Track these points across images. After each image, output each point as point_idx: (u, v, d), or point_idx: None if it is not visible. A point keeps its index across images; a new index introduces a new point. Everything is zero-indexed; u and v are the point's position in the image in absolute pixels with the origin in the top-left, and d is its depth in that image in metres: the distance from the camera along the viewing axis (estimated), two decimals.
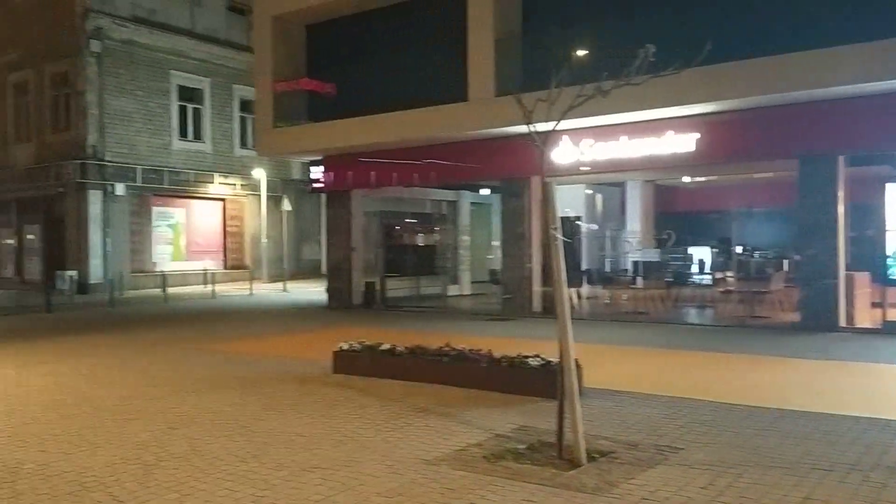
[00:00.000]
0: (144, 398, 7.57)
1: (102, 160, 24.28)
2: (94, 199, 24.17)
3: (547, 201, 5.25)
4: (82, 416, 6.78)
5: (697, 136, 12.88)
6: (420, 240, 20.16)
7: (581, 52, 10.61)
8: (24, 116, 26.57)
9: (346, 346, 8.86)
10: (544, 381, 7.01)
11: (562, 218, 5.76)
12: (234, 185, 28.29)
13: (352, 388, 7.89)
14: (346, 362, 8.74)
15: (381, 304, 17.83)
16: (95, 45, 24.15)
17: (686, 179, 18.65)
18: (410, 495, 4.52)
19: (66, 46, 24.57)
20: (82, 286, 23.53)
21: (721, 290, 15.89)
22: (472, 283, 20.95)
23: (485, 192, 21.03)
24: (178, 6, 26.65)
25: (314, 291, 22.77)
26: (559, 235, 5.23)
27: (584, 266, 17.84)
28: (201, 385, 8.24)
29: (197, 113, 27.24)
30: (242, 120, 28.58)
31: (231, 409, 6.96)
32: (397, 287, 18.59)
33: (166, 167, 25.97)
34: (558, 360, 5.31)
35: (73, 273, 23.60)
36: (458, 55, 14.49)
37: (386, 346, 8.59)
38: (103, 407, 7.18)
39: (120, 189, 24.61)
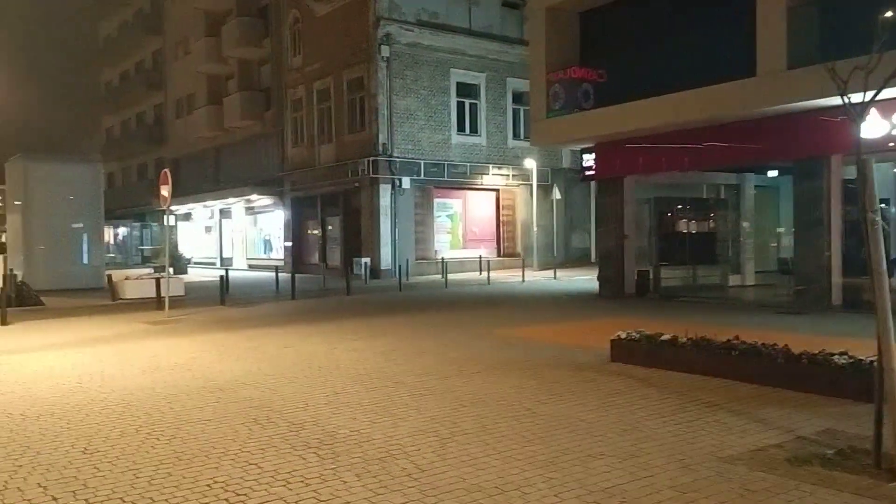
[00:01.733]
0: (436, 376, 8.10)
1: (391, 156, 26.45)
2: (384, 193, 26.41)
3: (864, 181, 4.67)
4: (383, 390, 7.45)
5: None
6: (697, 226, 19.15)
7: None
8: (326, 120, 29.83)
9: (623, 335, 8.71)
10: (853, 382, 6.29)
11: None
12: (507, 175, 29.19)
13: (631, 377, 7.74)
14: (624, 351, 8.59)
15: (655, 294, 17.27)
16: (385, 51, 26.32)
17: None
18: (706, 493, 4.31)
19: (361, 53, 27.10)
20: (374, 272, 25.88)
21: None
22: (756, 272, 19.45)
23: (772, 173, 19.38)
24: (457, 7, 28.07)
25: (584, 279, 22.72)
26: (878, 220, 4.63)
27: (893, 255, 15.67)
28: (485, 367, 8.62)
29: (473, 108, 28.52)
30: (515, 112, 29.36)
31: (514, 392, 7.19)
32: (672, 276, 17.87)
33: (446, 161, 27.56)
34: (874, 358, 4.72)
35: (367, 260, 26.03)
36: (744, 28, 13.47)
37: (666, 337, 8.30)
38: (401, 382, 7.81)
39: (406, 182, 26.62)
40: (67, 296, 20.18)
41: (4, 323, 13.89)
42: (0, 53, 53.35)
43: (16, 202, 25.29)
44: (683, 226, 19.06)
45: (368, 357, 9.53)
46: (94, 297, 20.11)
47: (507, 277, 24.92)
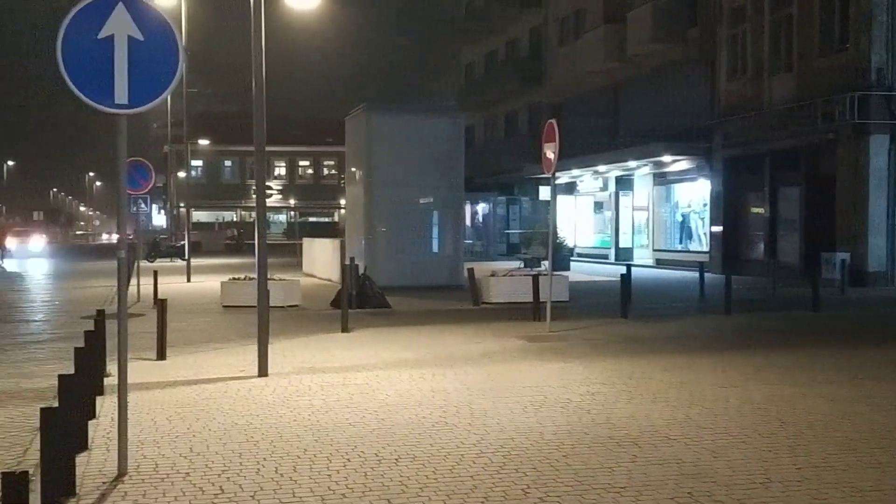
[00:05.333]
0: None
1: (892, 89, 24.85)
2: (878, 148, 25.05)
3: None
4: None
5: None
6: None
7: None
8: (783, 36, 28.96)
9: None
10: None
11: None
12: None
13: None
14: None
15: None
16: None
17: None
18: None
19: None
20: (857, 275, 24.60)
21: None
22: None
23: None
24: None
25: None
26: None
27: None
28: None
29: None
30: None
31: None
32: None
33: None
34: None
35: (846, 256, 24.79)
36: None
37: None
38: None
39: None
40: (415, 295, 22.48)
41: (345, 329, 15.88)
42: None
43: (353, 170, 28.87)
44: None
45: (860, 412, 9.18)
46: (449, 298, 22.12)
47: None
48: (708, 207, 33.58)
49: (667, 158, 34.84)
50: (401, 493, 6.49)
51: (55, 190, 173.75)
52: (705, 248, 33.56)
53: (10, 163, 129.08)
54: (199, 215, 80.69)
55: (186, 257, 32.79)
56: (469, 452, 7.53)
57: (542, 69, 48.05)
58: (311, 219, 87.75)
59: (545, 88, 47.47)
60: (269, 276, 13.26)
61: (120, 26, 7.13)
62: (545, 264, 24.21)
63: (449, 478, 6.82)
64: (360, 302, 19.46)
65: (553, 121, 16.42)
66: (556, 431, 8.25)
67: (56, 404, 7.24)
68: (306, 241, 36.74)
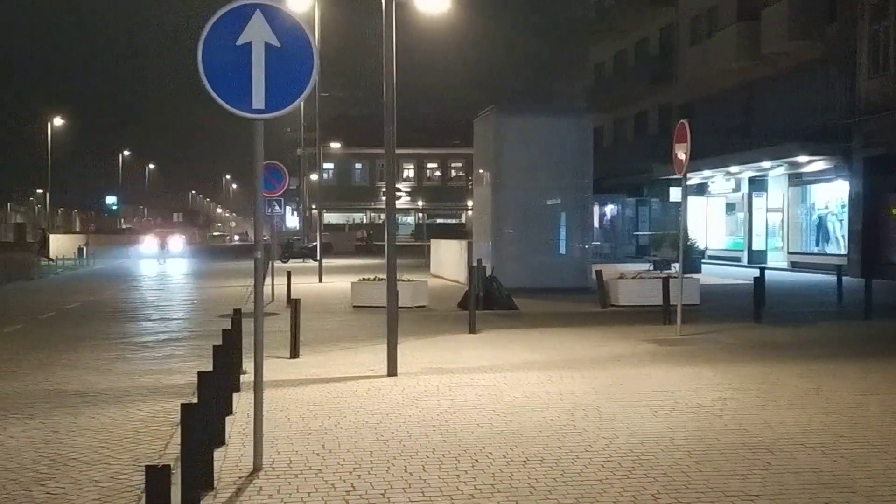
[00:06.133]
0: None
1: None
2: None
3: None
4: None
5: None
6: None
7: None
8: None
9: None
10: None
11: None
12: None
13: None
14: None
15: None
16: None
17: None
18: None
19: None
20: None
21: None
22: None
23: None
24: None
25: None
26: None
27: None
28: None
29: None
30: None
31: None
32: None
33: None
34: None
35: None
36: None
37: None
38: None
39: None
40: (542, 296, 22.40)
41: (473, 330, 15.94)
42: None
43: (481, 171, 28.98)
44: None
45: None
46: (576, 300, 21.98)
47: None
48: (846, 209, 32.54)
49: (802, 159, 33.89)
50: (529, 494, 6.50)
51: (193, 192, 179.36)
52: (843, 250, 32.53)
53: (151, 166, 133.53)
54: (330, 217, 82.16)
55: (318, 258, 33.34)
56: (598, 456, 7.49)
57: (673, 69, 47.33)
58: (439, 220, 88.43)
59: (675, 88, 46.72)
60: (397, 277, 13.40)
61: (258, 33, 7.32)
62: (675, 266, 23.84)
63: (578, 481, 6.80)
64: (487, 303, 19.50)
65: (685, 121, 16.15)
66: (686, 437, 8.13)
67: (195, 400, 7.47)
68: (434, 243, 36.92)
